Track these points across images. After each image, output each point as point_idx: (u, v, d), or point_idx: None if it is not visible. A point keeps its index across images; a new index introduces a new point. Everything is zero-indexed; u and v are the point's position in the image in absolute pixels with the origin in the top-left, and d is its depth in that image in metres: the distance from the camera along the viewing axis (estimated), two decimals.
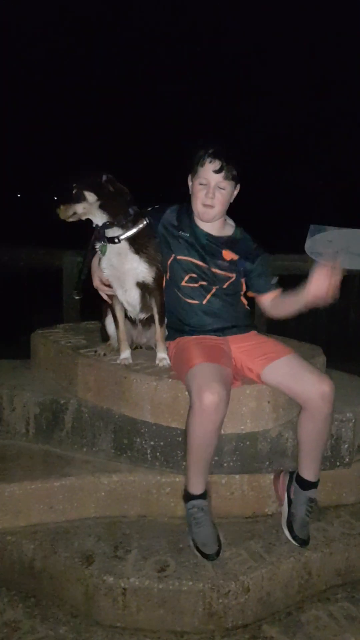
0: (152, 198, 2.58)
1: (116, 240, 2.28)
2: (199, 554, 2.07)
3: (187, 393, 2.21)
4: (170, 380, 2.31)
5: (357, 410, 2.44)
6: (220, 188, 2.26)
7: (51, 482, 2.32)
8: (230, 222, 2.44)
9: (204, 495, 2.14)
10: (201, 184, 2.27)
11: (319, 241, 4.05)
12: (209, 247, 2.33)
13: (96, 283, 2.42)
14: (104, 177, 2.25)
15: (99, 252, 2.35)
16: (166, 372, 2.37)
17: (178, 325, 2.42)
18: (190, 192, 2.33)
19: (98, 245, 2.33)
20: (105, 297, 2.45)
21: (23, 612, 2.07)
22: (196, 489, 2.13)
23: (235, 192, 2.34)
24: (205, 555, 2.06)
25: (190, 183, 2.33)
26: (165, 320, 2.46)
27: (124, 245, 2.30)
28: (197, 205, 2.29)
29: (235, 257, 2.34)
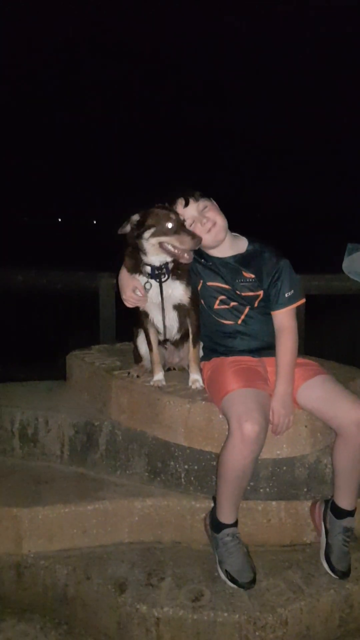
0: None
1: (164, 278, 2.29)
2: (233, 585, 2.01)
3: (221, 417, 2.17)
4: (203, 403, 2.27)
5: None
6: (203, 209, 2.27)
7: (85, 506, 2.29)
8: (242, 238, 2.39)
9: (236, 524, 2.09)
10: (190, 225, 2.25)
11: (357, 260, 3.94)
12: (227, 270, 2.31)
13: (129, 294, 2.34)
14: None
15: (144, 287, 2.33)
16: (200, 395, 2.33)
17: (213, 345, 2.39)
18: None
19: (149, 285, 2.31)
20: (129, 305, 2.38)
21: None
22: (229, 518, 2.08)
23: (216, 204, 2.33)
24: (240, 585, 1.99)
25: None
26: (200, 342, 2.44)
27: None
28: (205, 239, 2.25)
29: (252, 276, 2.29)
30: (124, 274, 2.37)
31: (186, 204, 2.27)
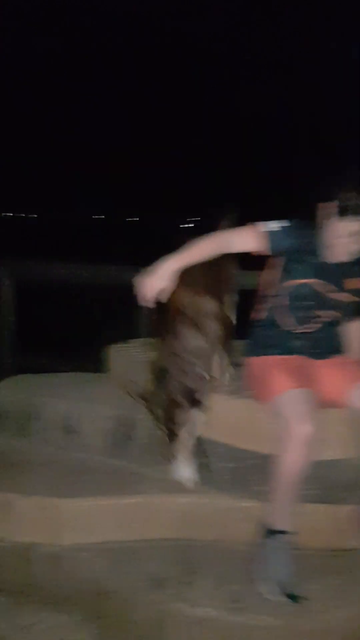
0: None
1: None
2: (274, 591, 1.94)
3: (263, 414, 2.12)
4: (246, 400, 2.23)
5: None
6: None
7: (124, 499, 2.28)
8: None
9: (290, 531, 2.01)
10: (350, 235, 2.11)
11: None
12: (335, 274, 2.20)
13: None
14: None
15: None
16: (244, 391, 2.29)
17: (269, 341, 2.29)
18: (322, 223, 2.17)
19: None
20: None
21: (89, 634, 2.03)
22: (284, 524, 2.01)
23: None
24: (283, 593, 1.92)
25: (330, 219, 2.14)
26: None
27: None
28: (337, 248, 2.14)
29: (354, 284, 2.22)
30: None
31: None
